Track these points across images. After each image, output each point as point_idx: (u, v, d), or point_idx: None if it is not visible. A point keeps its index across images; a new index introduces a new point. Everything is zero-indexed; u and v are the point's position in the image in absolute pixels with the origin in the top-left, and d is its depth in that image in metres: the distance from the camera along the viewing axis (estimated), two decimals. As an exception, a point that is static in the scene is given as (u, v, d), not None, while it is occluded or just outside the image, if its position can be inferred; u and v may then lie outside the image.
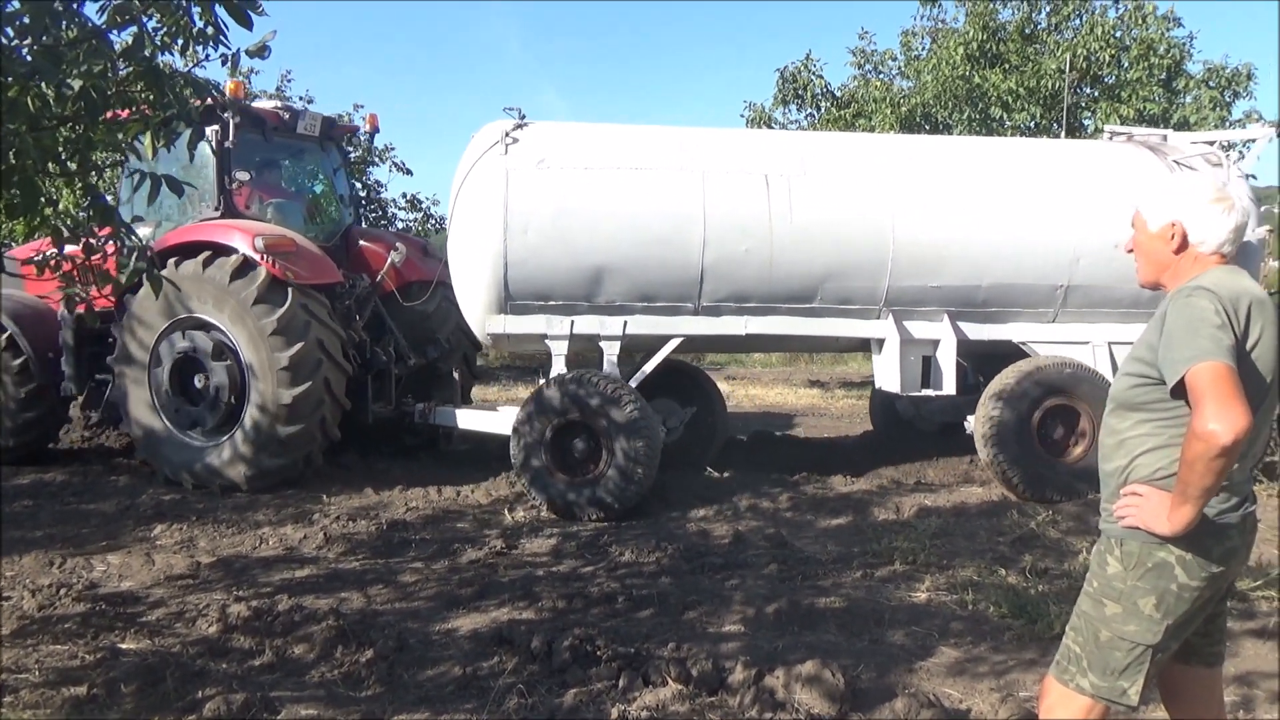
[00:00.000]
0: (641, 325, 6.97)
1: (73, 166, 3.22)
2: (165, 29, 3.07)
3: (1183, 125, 14.58)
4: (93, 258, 3.24)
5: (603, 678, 3.77)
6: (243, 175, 7.48)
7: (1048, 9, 15.45)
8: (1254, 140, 7.69)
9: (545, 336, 6.94)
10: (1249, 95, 15.14)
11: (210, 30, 3.04)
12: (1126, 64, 14.92)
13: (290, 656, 4.07)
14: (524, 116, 7.08)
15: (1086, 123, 15.02)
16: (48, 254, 3.37)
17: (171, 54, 3.18)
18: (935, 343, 7.16)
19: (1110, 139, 8.09)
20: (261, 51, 3.18)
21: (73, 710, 3.51)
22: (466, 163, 6.97)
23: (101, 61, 2.80)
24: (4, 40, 2.69)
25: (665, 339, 7.03)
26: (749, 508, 6.64)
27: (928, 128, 15.18)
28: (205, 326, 7.06)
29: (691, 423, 7.98)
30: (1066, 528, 6.16)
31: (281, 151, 8.36)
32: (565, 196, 6.70)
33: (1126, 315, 7.22)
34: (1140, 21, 15.04)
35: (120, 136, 3.03)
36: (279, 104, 7.97)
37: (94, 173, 3.45)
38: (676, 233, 6.76)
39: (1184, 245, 2.38)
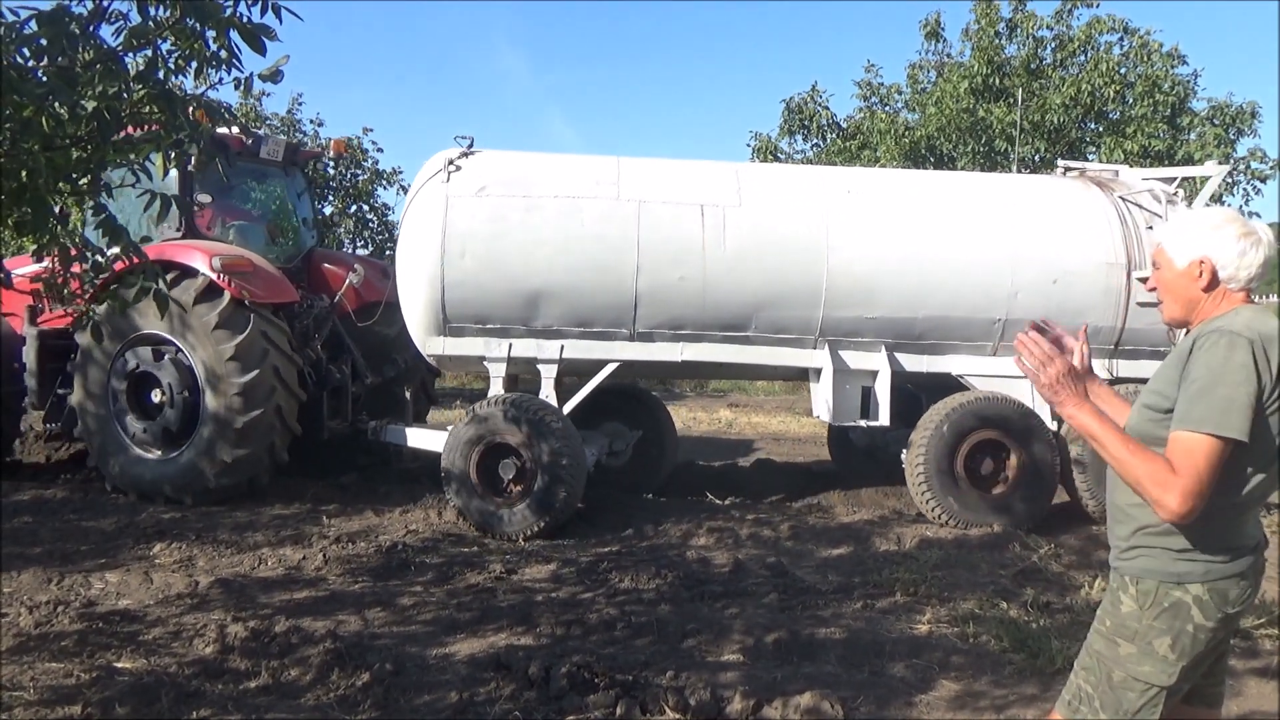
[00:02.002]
0: (578, 350, 7.12)
1: (83, 185, 3.25)
2: (179, 52, 3.11)
3: (1186, 161, 14.66)
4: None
5: (600, 705, 3.75)
6: (204, 198, 7.70)
7: (1053, 45, 15.58)
8: (1209, 177, 7.71)
9: (484, 359, 7.13)
10: (1253, 133, 15.25)
11: (224, 54, 3.08)
12: (1131, 100, 15.02)
13: (286, 679, 4.04)
14: (472, 145, 7.32)
15: (1091, 157, 15.10)
16: (51, 272, 3.40)
17: (185, 77, 3.23)
18: (873, 373, 7.20)
19: (1064, 174, 8.13)
20: (275, 76, 3.22)
21: (67, 729, 3.50)
22: (413, 189, 7.30)
23: (116, 83, 2.84)
24: (20, 61, 2.73)
25: (602, 363, 7.16)
26: (750, 536, 6.62)
27: (932, 160, 15.28)
28: (164, 344, 7.28)
29: (640, 446, 8.13)
30: (1069, 561, 6.13)
31: (245, 175, 8.55)
32: (502, 223, 6.92)
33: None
34: (1145, 58, 15.17)
35: (132, 156, 3.06)
36: (240, 130, 8.18)
37: (105, 192, 3.47)
38: (611, 260, 6.92)
39: (1214, 282, 2.32)
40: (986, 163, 14.86)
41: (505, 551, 6.23)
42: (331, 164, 9.19)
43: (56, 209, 3.07)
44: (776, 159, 16.91)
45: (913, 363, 7.26)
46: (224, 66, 3.10)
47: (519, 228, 6.90)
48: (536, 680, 3.96)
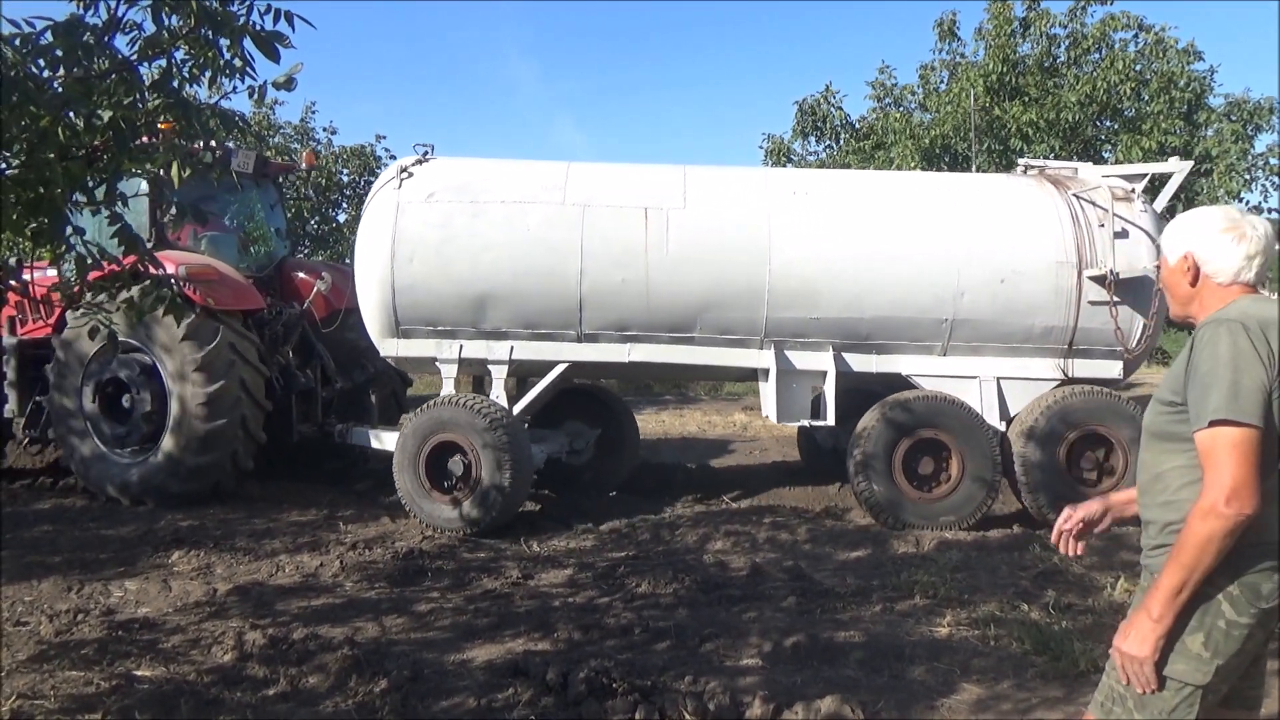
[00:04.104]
0: (528, 351, 7.27)
1: (99, 195, 3.27)
2: (194, 61, 3.12)
3: (1204, 158, 14.53)
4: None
5: (618, 711, 3.72)
6: (173, 211, 7.82)
7: (1067, 43, 15.48)
8: (1170, 174, 7.59)
9: (436, 360, 7.31)
10: (1271, 129, 15.08)
11: (238, 63, 3.09)
12: (1147, 97, 14.89)
13: (304, 686, 4.04)
14: (428, 153, 7.52)
15: (1106, 156, 14.98)
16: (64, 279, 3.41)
17: (199, 86, 3.24)
18: (821, 374, 7.19)
19: (1023, 172, 8.03)
20: (289, 84, 3.23)
21: (87, 737, 3.51)
22: (369, 196, 7.52)
23: (131, 93, 2.85)
24: (36, 72, 2.74)
25: (552, 364, 7.27)
26: (767, 539, 6.59)
27: (947, 160, 15.19)
28: (137, 352, 7.52)
29: (601, 444, 8.30)
30: (1090, 563, 6.06)
31: (216, 187, 8.59)
32: (450, 228, 7.09)
33: (1016, 350, 7.17)
34: (1161, 55, 15.03)
35: (149, 166, 3.07)
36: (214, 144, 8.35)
37: (121, 201, 3.48)
38: (555, 263, 7.04)
39: (1199, 277, 2.37)
40: (1003, 162, 14.76)
41: (521, 557, 6.23)
42: (308, 175, 9.49)
43: (73, 219, 3.08)
44: (790, 161, 16.87)
45: (861, 363, 7.24)
46: (238, 75, 3.11)
47: (465, 232, 7.07)
48: (554, 686, 3.94)
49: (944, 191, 7.52)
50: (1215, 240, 2.34)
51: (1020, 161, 8.48)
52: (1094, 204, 7.17)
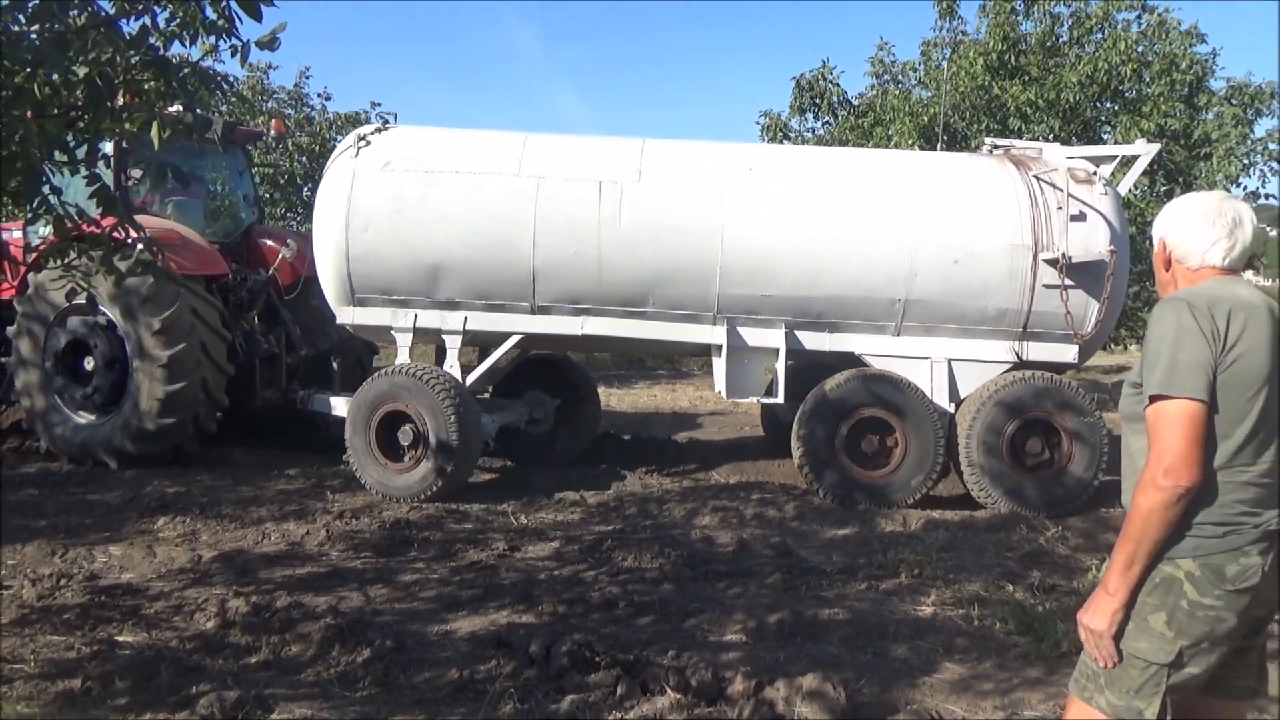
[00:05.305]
0: (482, 322, 7.30)
1: (80, 155, 3.20)
2: (176, 19, 3.05)
3: (1204, 141, 14.45)
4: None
5: (600, 685, 3.72)
6: (136, 173, 7.88)
7: (1070, 22, 15.33)
8: (1138, 156, 7.51)
9: (391, 329, 7.35)
10: (1272, 113, 15.01)
11: (220, 21, 3.02)
12: (1148, 79, 14.79)
13: (286, 654, 4.03)
14: (388, 122, 7.54)
15: (1106, 137, 14.89)
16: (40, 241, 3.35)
17: (184, 45, 3.16)
18: (774, 351, 7.19)
19: (989, 151, 7.94)
20: (272, 43, 3.15)
21: (65, 704, 3.49)
22: (328, 165, 7.52)
23: (109, 50, 2.78)
24: (11, 26, 2.67)
25: (506, 336, 7.32)
26: (754, 515, 6.58)
27: (946, 138, 15.08)
28: (98, 315, 7.50)
29: (561, 415, 8.39)
30: (1075, 544, 6.08)
31: (181, 153, 8.62)
32: (405, 197, 7.10)
33: (970, 332, 7.13)
34: (1163, 36, 14.91)
35: (127, 125, 3.00)
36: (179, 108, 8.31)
37: (102, 162, 3.42)
38: (508, 235, 7.05)
39: (1170, 261, 2.41)
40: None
41: (508, 529, 6.21)
42: (277, 142, 9.47)
43: (50, 178, 3.01)
44: (787, 138, 16.73)
45: (813, 341, 7.23)
46: (221, 33, 3.03)
47: (419, 202, 7.08)
48: (537, 659, 3.94)
49: (902, 170, 7.45)
50: (1185, 225, 2.37)
51: (986, 140, 8.39)
52: (1054, 186, 7.08)
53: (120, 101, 3.17)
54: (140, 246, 3.22)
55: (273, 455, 8.20)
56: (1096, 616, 2.28)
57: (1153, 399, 2.19)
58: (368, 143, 7.30)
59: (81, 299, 3.29)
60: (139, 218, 7.33)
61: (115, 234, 3.28)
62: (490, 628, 4.39)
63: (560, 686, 3.73)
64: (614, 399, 13.21)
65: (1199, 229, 2.34)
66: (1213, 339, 2.17)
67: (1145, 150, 7.45)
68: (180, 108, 3.12)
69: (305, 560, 5.43)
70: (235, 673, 3.83)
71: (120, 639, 4.14)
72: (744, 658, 4.08)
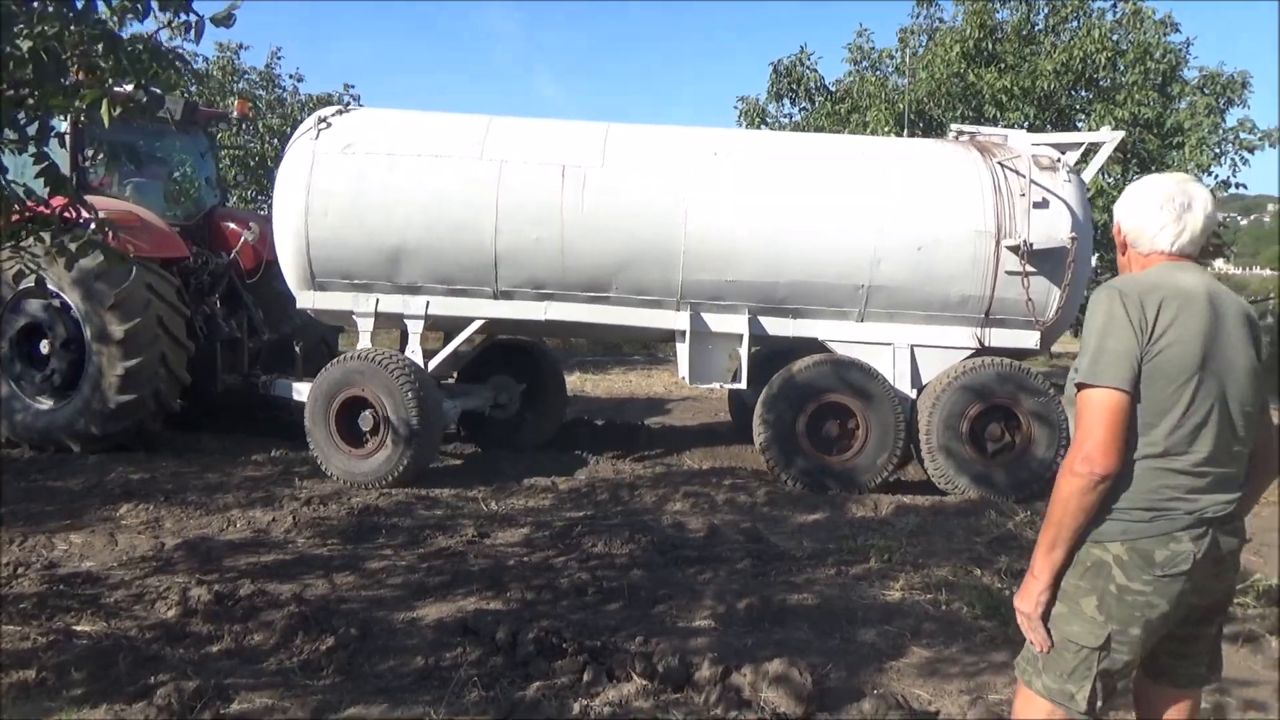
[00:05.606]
0: (444, 307, 7.24)
1: (31, 133, 3.11)
2: (127, -8, 2.96)
3: (1176, 131, 14.54)
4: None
5: (567, 671, 3.70)
6: (91, 153, 7.71)
7: (1046, 10, 15.36)
8: (1101, 143, 7.54)
9: (352, 313, 7.30)
10: (1243, 103, 15.12)
11: (172, -4, 2.93)
12: (1123, 67, 14.85)
13: (249, 643, 3.97)
14: (349, 105, 7.45)
15: (1080, 125, 14.95)
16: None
17: (139, 20, 3.08)
18: (737, 337, 7.19)
19: (955, 137, 7.95)
20: (227, 20, 3.07)
21: (19, 695, 3.42)
22: (288, 147, 7.43)
23: (55, 24, 2.69)
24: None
25: (469, 321, 7.28)
26: (726, 501, 6.58)
27: (921, 126, 15.10)
28: (52, 296, 7.36)
29: (527, 400, 8.39)
30: (1045, 530, 6.10)
31: (139, 133, 8.42)
32: (365, 180, 7.03)
33: (933, 318, 7.16)
34: (1138, 25, 14.98)
35: (77, 103, 2.92)
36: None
37: (56, 141, 3.33)
38: (470, 219, 6.99)
39: (1126, 246, 2.41)
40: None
41: (478, 515, 6.17)
42: (240, 123, 9.33)
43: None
44: (764, 123, 16.69)
45: (777, 327, 7.23)
46: (173, 9, 2.95)
47: (380, 186, 7.01)
48: (504, 645, 3.90)
49: (866, 156, 7.43)
50: (1136, 210, 2.36)
51: (952, 127, 8.39)
52: (1018, 173, 7.09)
53: (73, 79, 3.08)
54: (92, 227, 3.13)
55: (241, 441, 8.10)
56: (1024, 599, 2.33)
57: (1079, 386, 2.22)
58: (328, 125, 7.20)
59: (31, 281, 3.18)
60: (96, 199, 7.30)
61: (66, 214, 3.19)
62: (457, 615, 4.35)
63: (526, 674, 3.70)
64: (589, 384, 13.17)
65: (1149, 213, 2.33)
66: (1140, 329, 2.17)
67: (1109, 138, 7.48)
68: (133, 85, 3.03)
69: (271, 548, 5.36)
70: (196, 662, 3.77)
71: (78, 628, 4.06)
72: (712, 643, 4.07)
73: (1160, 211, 2.31)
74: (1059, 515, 2.22)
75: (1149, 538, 2.20)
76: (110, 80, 2.92)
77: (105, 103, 2.84)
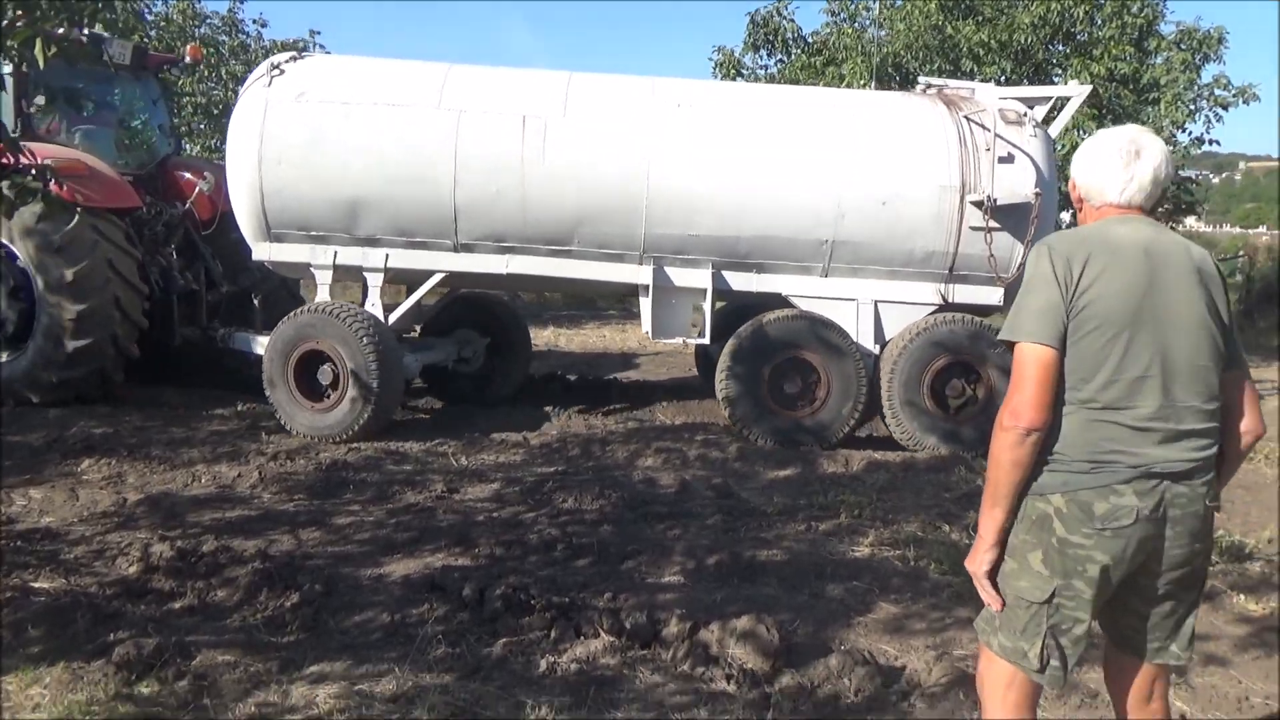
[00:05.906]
0: (403, 259, 7.11)
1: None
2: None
3: (1152, 86, 14.50)
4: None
5: (534, 628, 3.69)
6: (39, 100, 7.43)
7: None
8: (1069, 98, 7.49)
9: (310, 265, 7.14)
10: (1219, 59, 15.08)
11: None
12: (1100, 21, 14.74)
13: (212, 600, 3.92)
14: (302, 52, 7.25)
15: (1056, 79, 14.86)
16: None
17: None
18: (701, 291, 7.13)
19: (923, 91, 7.86)
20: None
21: (-26, 652, 3.36)
22: (240, 94, 7.23)
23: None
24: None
25: (429, 274, 7.17)
26: (698, 456, 6.57)
27: (898, 78, 14.95)
28: None
29: (491, 353, 8.31)
30: (1012, 485, 6.15)
31: (88, 78, 8.21)
32: (320, 129, 6.86)
33: (897, 274, 7.14)
34: (1115, -23, 14.82)
35: (9, 42, 2.76)
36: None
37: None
38: (428, 170, 6.86)
39: (1080, 200, 2.39)
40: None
41: (448, 470, 6.12)
42: (192, 68, 9.03)
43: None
44: (740, 75, 16.45)
45: (740, 282, 7.18)
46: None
47: (335, 135, 6.85)
48: (471, 602, 3.88)
49: (831, 109, 7.32)
50: (1088, 163, 2.34)
51: (920, 80, 8.28)
52: (983, 127, 7.01)
53: (9, 18, 2.92)
54: (33, 173, 3.00)
55: (206, 395, 7.96)
56: (971, 559, 2.36)
57: (1007, 343, 2.23)
58: (281, 72, 6.99)
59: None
60: (43, 147, 7.07)
61: (4, 160, 3.05)
62: (425, 571, 4.32)
63: (493, 630, 3.69)
64: (563, 339, 13.09)
65: (1098, 166, 2.31)
66: (1064, 284, 2.17)
67: (1077, 92, 7.41)
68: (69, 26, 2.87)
69: (236, 503, 5.30)
70: (157, 619, 3.72)
71: (36, 585, 3.98)
72: (680, 599, 4.07)
73: (1109, 162, 2.28)
74: (994, 472, 2.24)
75: (1088, 489, 2.18)
76: (46, 19, 2.76)
77: (39, 42, 2.69)
